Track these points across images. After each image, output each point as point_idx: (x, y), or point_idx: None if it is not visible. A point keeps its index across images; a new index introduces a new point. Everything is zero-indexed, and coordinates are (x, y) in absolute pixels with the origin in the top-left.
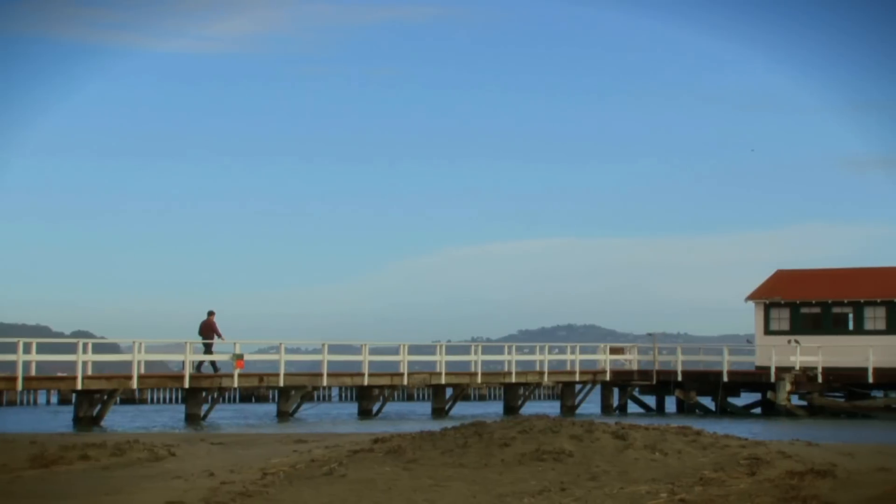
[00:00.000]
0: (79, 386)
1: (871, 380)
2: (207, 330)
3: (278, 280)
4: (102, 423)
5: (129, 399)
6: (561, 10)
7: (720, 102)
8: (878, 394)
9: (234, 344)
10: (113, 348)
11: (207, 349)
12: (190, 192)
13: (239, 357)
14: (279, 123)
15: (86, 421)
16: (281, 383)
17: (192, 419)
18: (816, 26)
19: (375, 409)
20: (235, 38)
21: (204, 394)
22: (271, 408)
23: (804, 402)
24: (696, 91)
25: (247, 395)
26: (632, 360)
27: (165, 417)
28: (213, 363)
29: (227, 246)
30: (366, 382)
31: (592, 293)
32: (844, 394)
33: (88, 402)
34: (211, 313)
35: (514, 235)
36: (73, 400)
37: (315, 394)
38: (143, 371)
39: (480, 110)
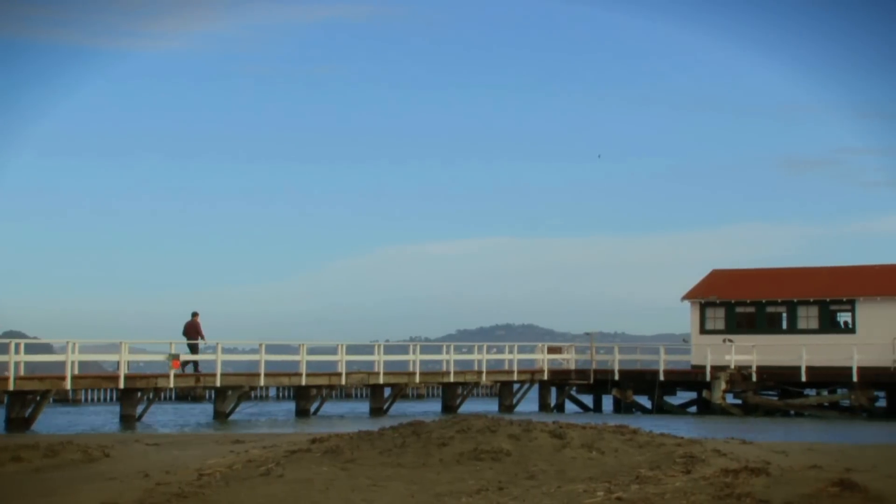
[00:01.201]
0: (11, 387)
1: (804, 378)
2: (192, 331)
3: (215, 280)
4: (35, 425)
5: (63, 400)
6: (497, 5)
7: (658, 103)
8: (811, 392)
9: (170, 344)
10: (46, 349)
11: (192, 349)
12: (125, 191)
13: (174, 357)
14: (217, 122)
15: (18, 422)
16: (218, 383)
17: (128, 420)
18: (756, 28)
19: (313, 408)
20: (175, 36)
21: (139, 394)
22: (208, 408)
23: (739, 401)
24: (633, 91)
25: (183, 396)
26: (569, 359)
27: (100, 418)
28: (194, 363)
29: (164, 245)
30: (303, 382)
31: (530, 293)
32: (778, 392)
33: (21, 404)
34: (195, 314)
35: (452, 235)
36: (6, 401)
37: (252, 394)
38: (76, 371)
39: (418, 109)
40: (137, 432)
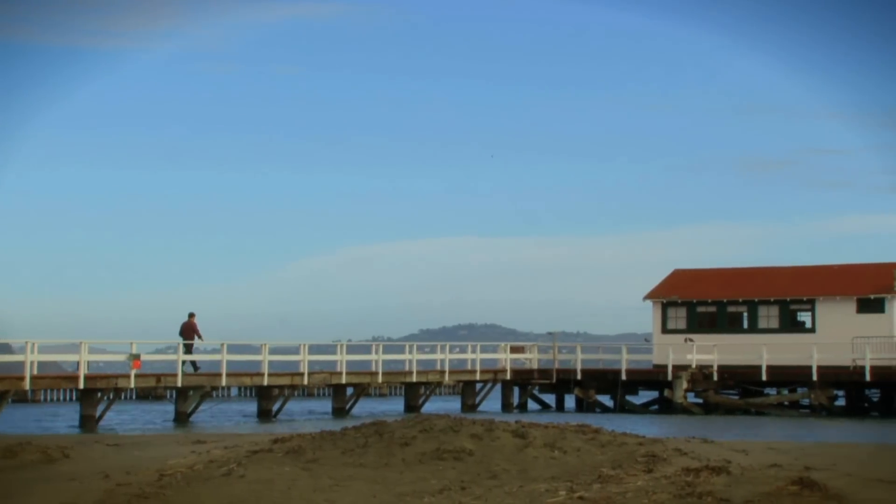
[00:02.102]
0: None
1: (764, 377)
2: (188, 331)
3: (177, 279)
4: None
5: (22, 400)
6: (459, 7)
7: (620, 103)
8: (772, 391)
9: (131, 344)
10: (4, 349)
11: (188, 349)
12: (88, 191)
13: (135, 357)
14: (178, 122)
15: None
16: (179, 383)
17: (88, 420)
18: (718, 29)
19: (275, 408)
20: (134, 34)
21: (99, 394)
22: (169, 408)
23: (700, 400)
24: (595, 90)
25: (144, 396)
26: (532, 358)
27: (60, 418)
28: (193, 363)
29: (125, 245)
30: (265, 382)
31: (493, 293)
32: (739, 391)
33: None
34: (192, 315)
35: (415, 235)
36: None
37: (214, 394)
38: (36, 372)
39: (379, 110)
40: (97, 433)
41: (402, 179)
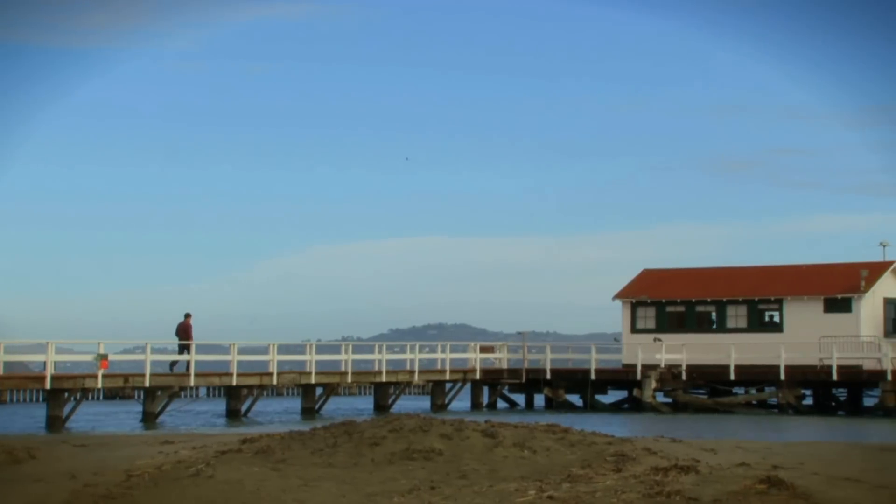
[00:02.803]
0: None
1: (732, 377)
2: (184, 332)
3: (144, 279)
4: None
5: None
6: (429, 11)
7: (590, 102)
8: (740, 391)
9: (98, 344)
10: None
11: (183, 350)
12: (54, 189)
13: (103, 357)
14: (147, 120)
15: None
16: (147, 384)
17: (55, 421)
18: (687, 29)
19: (244, 408)
20: (102, 33)
21: (66, 394)
22: (137, 408)
23: (669, 400)
24: (563, 90)
25: (111, 396)
26: (502, 358)
27: (26, 419)
28: (187, 363)
29: (91, 244)
30: (234, 382)
31: (463, 292)
32: (707, 391)
33: None
34: (188, 315)
35: (385, 234)
36: None
37: (182, 394)
38: (2, 372)
39: (350, 109)
40: (64, 433)
41: (372, 179)
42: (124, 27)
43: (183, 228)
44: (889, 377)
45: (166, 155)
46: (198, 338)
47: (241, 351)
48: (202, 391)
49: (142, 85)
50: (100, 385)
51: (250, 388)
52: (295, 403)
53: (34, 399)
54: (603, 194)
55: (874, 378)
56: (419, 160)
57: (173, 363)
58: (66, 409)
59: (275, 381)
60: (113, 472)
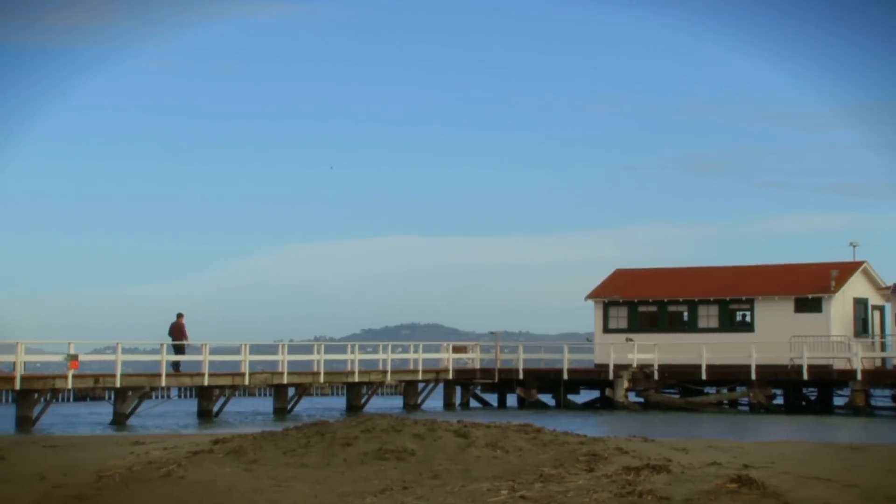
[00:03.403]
0: None
1: (704, 377)
2: (178, 331)
3: (115, 278)
4: None
5: None
6: (401, 9)
7: (562, 103)
8: (711, 390)
9: (69, 344)
10: None
11: (177, 350)
12: (27, 190)
13: (73, 357)
14: (118, 122)
15: None
16: (118, 384)
17: (24, 421)
18: (654, 31)
19: (216, 409)
20: (69, 31)
21: (36, 395)
22: (107, 409)
23: (641, 399)
24: (536, 90)
25: (82, 397)
26: (474, 358)
27: None
28: (176, 363)
29: (63, 244)
30: (206, 382)
31: (435, 292)
32: (679, 390)
33: None
34: (180, 315)
35: (357, 234)
36: None
37: (154, 394)
38: None
39: (321, 107)
40: (34, 434)
41: (345, 179)
42: (88, 27)
43: (155, 229)
44: (859, 377)
45: (139, 155)
46: (169, 338)
47: (213, 351)
48: (173, 392)
49: (112, 86)
50: (70, 385)
51: (222, 388)
52: (267, 404)
53: (3, 400)
54: (575, 194)
55: (844, 378)
56: (393, 159)
57: (176, 364)
58: (36, 409)
59: (247, 382)
60: (83, 472)
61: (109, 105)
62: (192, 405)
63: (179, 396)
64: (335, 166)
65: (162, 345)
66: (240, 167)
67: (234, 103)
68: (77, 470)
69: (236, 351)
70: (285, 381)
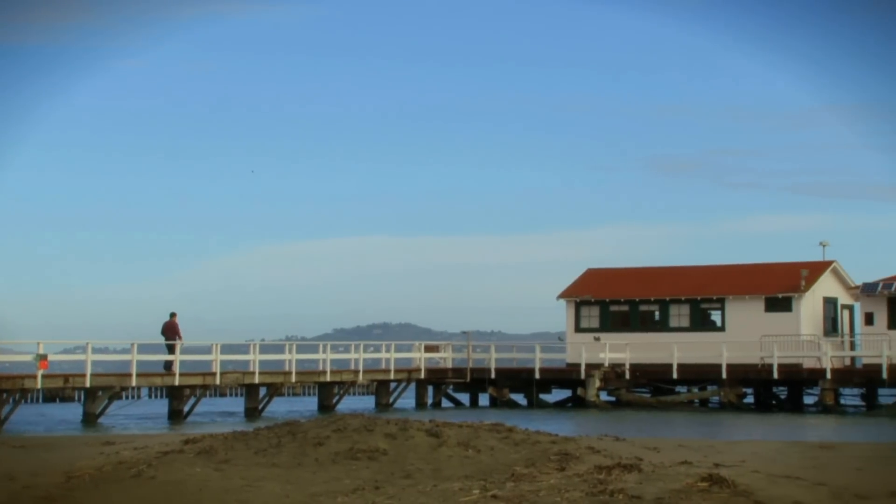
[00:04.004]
0: None
1: (675, 376)
2: (170, 330)
3: (85, 278)
4: None
5: None
6: (371, 9)
7: (533, 103)
8: (682, 389)
9: (38, 344)
10: None
11: (170, 349)
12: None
13: (42, 357)
14: (90, 119)
15: None
16: (87, 384)
17: None
18: (624, 31)
19: (187, 409)
20: (39, 29)
21: (5, 395)
22: (78, 409)
23: (613, 398)
24: (508, 91)
25: (51, 397)
26: (446, 357)
27: None
28: (169, 363)
29: (32, 243)
30: (177, 382)
31: (408, 291)
32: (650, 390)
33: None
34: (173, 315)
35: (329, 234)
36: None
37: (124, 394)
38: None
39: (292, 106)
40: (3, 434)
41: (316, 178)
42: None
43: (127, 227)
44: (828, 375)
45: (109, 155)
46: (141, 337)
47: (184, 351)
48: (144, 392)
49: (81, 86)
50: (39, 385)
51: (193, 388)
52: (238, 404)
53: None
54: (547, 194)
55: (814, 376)
56: (364, 159)
57: (167, 363)
58: (5, 410)
59: (218, 382)
60: (52, 473)
61: (80, 105)
62: (162, 405)
63: (150, 396)
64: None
65: (132, 344)
66: (210, 168)
67: (204, 104)
68: (46, 470)
69: (207, 351)
70: (257, 380)
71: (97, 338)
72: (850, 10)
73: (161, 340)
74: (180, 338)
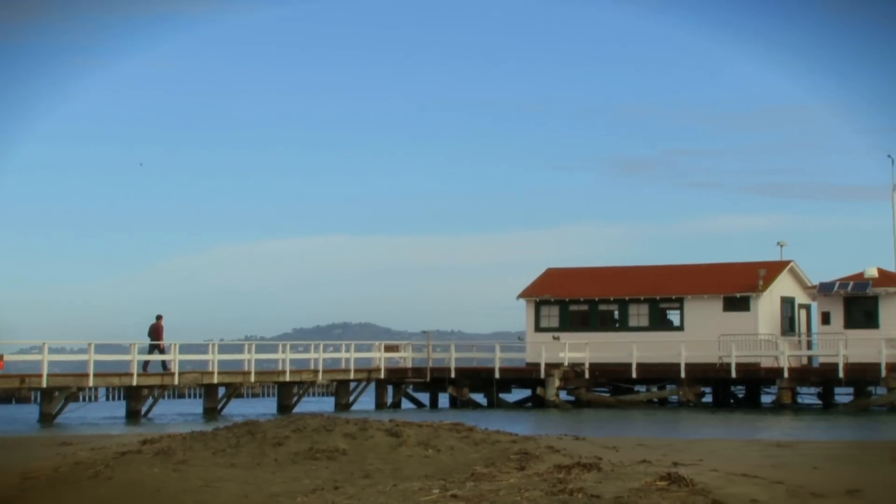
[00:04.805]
0: None
1: (634, 375)
2: (156, 332)
3: (41, 277)
4: None
5: None
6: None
7: (492, 102)
8: (641, 389)
9: None
10: None
11: (157, 351)
12: None
13: None
14: (50, 118)
15: None
16: (44, 384)
17: None
18: (584, 32)
19: (145, 409)
20: None
21: None
22: (34, 410)
23: (572, 398)
24: (466, 89)
25: (6, 397)
26: (406, 357)
27: None
28: (163, 363)
29: None
30: (134, 382)
31: (368, 291)
32: (610, 389)
33: None
34: (159, 317)
35: (289, 233)
36: None
37: (81, 395)
38: None
39: (251, 105)
40: None
41: (275, 177)
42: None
43: (84, 227)
44: (786, 374)
45: (67, 154)
46: (97, 337)
47: (142, 351)
48: (101, 392)
49: (39, 84)
50: None
51: (151, 388)
52: (197, 405)
53: None
54: (507, 193)
55: (771, 375)
56: (323, 158)
57: (146, 363)
58: None
59: (176, 382)
60: (8, 474)
61: (31, 104)
62: (120, 406)
63: (108, 398)
64: (256, 166)
65: (89, 344)
66: (168, 167)
67: (161, 103)
68: (2, 471)
69: (166, 350)
70: (216, 380)
71: (54, 338)
72: (804, 10)
73: (147, 342)
74: (162, 339)
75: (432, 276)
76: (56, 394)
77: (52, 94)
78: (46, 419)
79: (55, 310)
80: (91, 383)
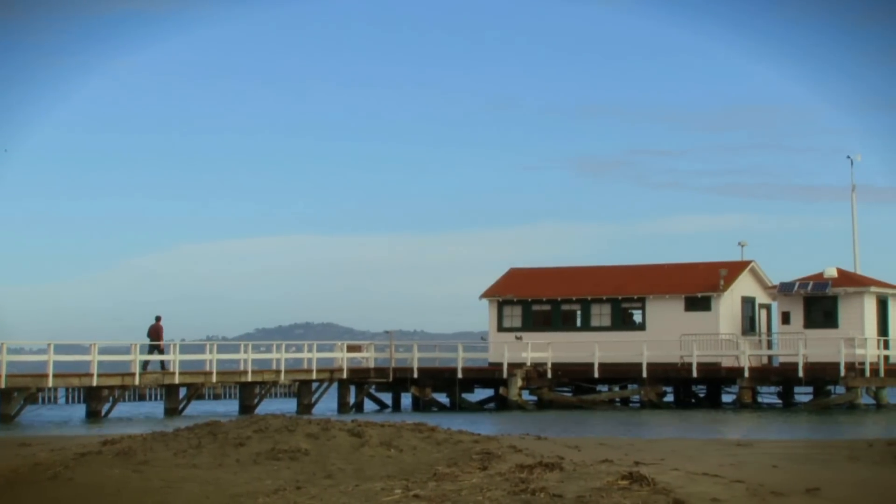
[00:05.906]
0: None
1: (596, 375)
2: (155, 333)
3: (4, 277)
4: None
5: None
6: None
7: (457, 101)
8: (604, 388)
9: None
10: None
11: (158, 350)
12: None
13: None
14: (11, 118)
15: None
16: (2, 385)
17: None
18: (551, 32)
19: (105, 410)
20: None
21: None
22: None
23: (535, 398)
24: (432, 88)
25: None
26: (368, 357)
27: None
28: (162, 363)
29: None
30: (95, 383)
31: (330, 291)
32: (572, 389)
33: None
34: (158, 318)
35: (251, 233)
36: None
37: (40, 395)
38: None
39: (215, 107)
40: None
41: (237, 177)
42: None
43: (44, 224)
44: (746, 374)
45: (33, 152)
46: (57, 337)
47: (102, 351)
48: (61, 392)
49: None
50: None
51: (111, 388)
52: (158, 406)
53: None
54: (470, 193)
55: (732, 375)
56: (285, 157)
57: (146, 363)
58: None
59: (137, 382)
60: None
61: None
62: (80, 407)
63: (67, 399)
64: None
65: (49, 344)
66: (131, 166)
67: (129, 103)
68: None
69: (127, 350)
70: (177, 381)
71: (12, 338)
72: (767, 13)
73: (147, 341)
74: (161, 339)
75: (395, 276)
76: (15, 394)
77: (35, 94)
78: (5, 420)
79: (18, 309)
80: (51, 384)
